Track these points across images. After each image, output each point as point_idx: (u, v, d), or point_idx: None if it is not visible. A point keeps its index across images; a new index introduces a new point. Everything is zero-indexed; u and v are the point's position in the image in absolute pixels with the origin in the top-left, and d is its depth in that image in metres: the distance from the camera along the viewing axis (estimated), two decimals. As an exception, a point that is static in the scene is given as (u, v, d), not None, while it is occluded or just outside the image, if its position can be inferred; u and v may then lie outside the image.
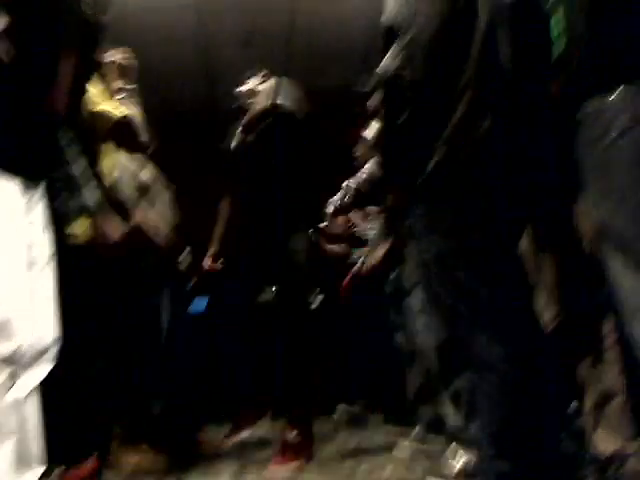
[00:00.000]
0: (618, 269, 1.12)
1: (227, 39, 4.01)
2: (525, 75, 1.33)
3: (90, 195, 1.68)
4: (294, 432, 2.39)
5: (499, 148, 1.32)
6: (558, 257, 1.62)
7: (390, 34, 1.37)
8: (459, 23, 1.33)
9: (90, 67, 1.81)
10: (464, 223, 1.32)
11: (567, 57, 1.22)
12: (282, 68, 2.95)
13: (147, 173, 2.63)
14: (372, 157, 3.26)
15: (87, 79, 1.82)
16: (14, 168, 1.37)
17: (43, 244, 1.50)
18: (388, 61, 1.36)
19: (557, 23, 1.26)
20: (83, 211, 1.67)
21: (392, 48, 1.36)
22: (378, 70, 1.40)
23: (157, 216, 2.62)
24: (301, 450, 2.38)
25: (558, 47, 1.26)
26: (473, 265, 1.32)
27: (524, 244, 1.65)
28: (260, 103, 2.62)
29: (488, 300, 1.30)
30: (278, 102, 2.59)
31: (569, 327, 1.63)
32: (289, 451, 2.34)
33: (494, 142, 1.30)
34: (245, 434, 2.64)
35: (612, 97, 1.12)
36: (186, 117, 3.52)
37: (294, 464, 2.28)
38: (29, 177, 1.43)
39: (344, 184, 2.82)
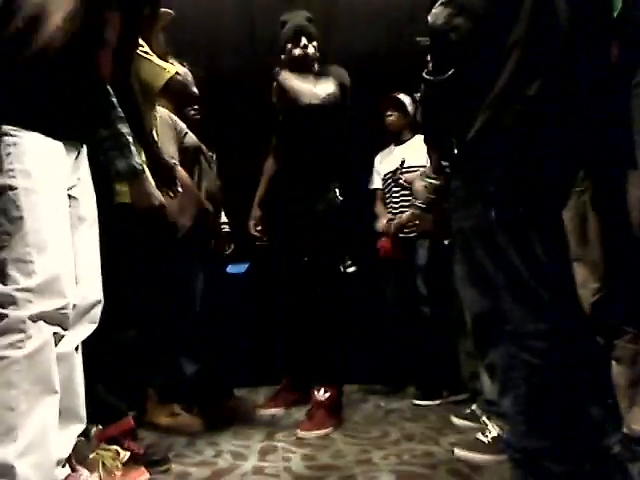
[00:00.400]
0: None
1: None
2: (582, 34, 1.25)
3: (137, 155, 1.72)
4: (324, 393, 2.43)
5: (549, 111, 1.25)
6: (605, 231, 1.57)
7: None
8: None
9: (135, 31, 1.79)
10: (508, 192, 1.27)
11: (626, 16, 1.14)
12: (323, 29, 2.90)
13: (191, 138, 2.65)
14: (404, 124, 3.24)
15: (132, 43, 1.81)
16: (62, 129, 1.37)
17: (90, 202, 1.53)
18: (438, 10, 1.28)
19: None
20: (131, 170, 1.71)
21: None
22: (428, 18, 1.31)
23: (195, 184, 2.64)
24: (331, 412, 2.42)
25: (616, 5, 1.19)
26: (514, 236, 1.27)
27: (569, 216, 1.59)
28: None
29: (528, 273, 1.27)
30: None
31: (609, 304, 1.59)
32: (319, 413, 2.39)
33: (544, 105, 1.24)
34: (279, 410, 2.68)
35: None
36: (229, 76, 3.48)
37: (325, 427, 2.32)
38: (76, 137, 1.45)
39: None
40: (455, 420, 2.39)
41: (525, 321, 1.25)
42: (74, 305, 1.37)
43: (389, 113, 3.31)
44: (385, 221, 3.26)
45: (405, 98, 3.24)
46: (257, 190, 2.99)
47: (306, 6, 3.78)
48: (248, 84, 2.94)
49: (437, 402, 2.85)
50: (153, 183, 1.85)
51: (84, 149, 1.51)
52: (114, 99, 1.69)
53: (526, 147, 1.25)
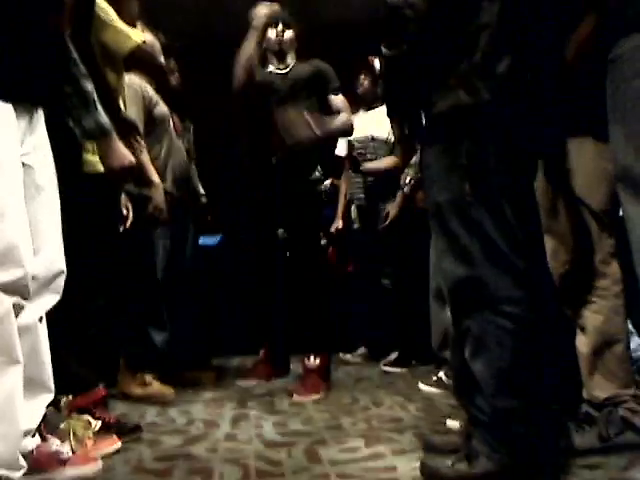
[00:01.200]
0: (633, 215, 1.11)
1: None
2: (552, 12, 1.28)
3: (104, 114, 1.62)
4: (315, 360, 2.50)
5: (519, 87, 1.27)
6: (574, 205, 1.60)
7: None
8: None
9: None
10: (481, 165, 1.31)
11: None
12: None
13: (161, 109, 2.59)
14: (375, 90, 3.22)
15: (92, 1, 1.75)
16: (15, 90, 1.31)
17: (48, 170, 1.45)
18: None
19: None
20: (99, 128, 1.61)
21: None
22: None
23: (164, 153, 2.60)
24: (322, 378, 2.49)
25: None
26: (489, 207, 1.32)
27: (540, 189, 1.63)
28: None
29: (503, 242, 1.31)
30: None
31: (576, 274, 1.63)
32: (311, 378, 2.45)
33: (514, 81, 1.26)
34: (255, 383, 2.69)
35: None
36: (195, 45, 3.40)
37: (317, 392, 2.38)
38: (28, 99, 1.37)
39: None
40: (423, 387, 2.46)
41: (500, 288, 1.31)
42: (34, 276, 1.33)
43: (362, 77, 3.28)
44: (341, 210, 3.28)
45: (379, 64, 3.18)
46: (233, 162, 2.94)
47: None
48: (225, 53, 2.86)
49: (405, 369, 2.92)
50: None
51: (39, 113, 1.43)
52: (74, 54, 1.59)
53: (497, 121, 1.28)
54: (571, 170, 1.59)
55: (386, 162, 3.15)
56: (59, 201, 1.48)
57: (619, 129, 1.15)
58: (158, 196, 2.45)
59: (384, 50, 1.40)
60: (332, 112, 2.59)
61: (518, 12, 1.30)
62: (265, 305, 2.79)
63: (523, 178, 1.37)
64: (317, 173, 2.65)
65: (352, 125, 2.67)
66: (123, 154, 1.68)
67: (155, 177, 2.44)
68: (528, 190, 1.41)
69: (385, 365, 2.98)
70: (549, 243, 1.67)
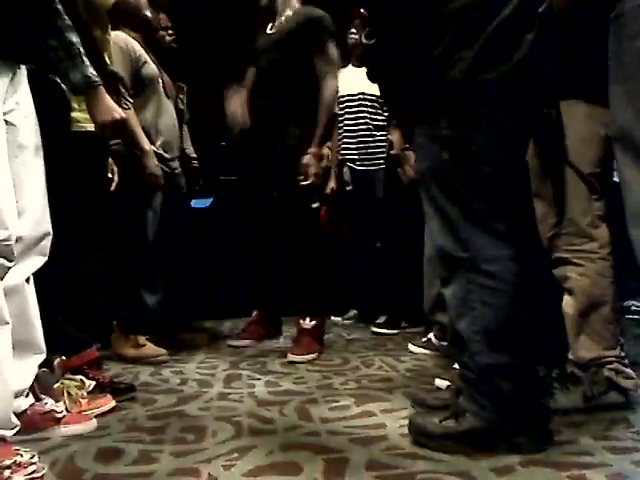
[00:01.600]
0: (630, 177, 1.11)
1: None
2: None
3: (91, 66, 1.56)
4: (310, 322, 2.53)
5: (493, 66, 1.30)
6: (563, 168, 1.61)
7: None
8: None
9: None
10: (460, 134, 1.35)
11: None
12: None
13: (150, 68, 2.53)
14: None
15: None
16: None
17: (31, 128, 1.42)
18: None
19: None
20: (86, 81, 1.55)
21: None
22: None
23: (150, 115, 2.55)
24: (317, 339, 2.52)
25: None
26: (467, 174, 1.36)
27: (530, 153, 1.64)
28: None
29: (482, 207, 1.34)
30: None
31: (563, 237, 1.64)
32: (306, 339, 2.48)
33: (487, 60, 1.29)
34: (249, 342, 2.71)
35: None
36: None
37: (312, 352, 2.41)
38: (9, 56, 1.33)
39: None
40: (412, 347, 2.50)
41: (480, 248, 1.36)
42: (20, 237, 1.33)
43: (353, 30, 3.21)
44: (334, 170, 3.24)
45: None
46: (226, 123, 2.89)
47: None
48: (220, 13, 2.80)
49: (396, 332, 2.96)
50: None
51: (22, 70, 1.39)
52: (58, 6, 1.52)
53: (473, 94, 1.33)
54: (561, 133, 1.59)
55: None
56: (43, 161, 1.45)
57: (620, 89, 1.13)
58: (151, 162, 2.42)
59: (364, 39, 1.43)
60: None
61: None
62: (259, 267, 2.79)
63: (504, 144, 1.39)
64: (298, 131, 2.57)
65: (333, 95, 2.56)
66: (112, 107, 1.63)
67: (146, 143, 2.40)
68: (511, 155, 1.43)
69: (375, 327, 3.01)
70: (538, 206, 1.68)
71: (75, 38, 1.53)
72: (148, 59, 2.52)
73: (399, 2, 1.35)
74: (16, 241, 1.29)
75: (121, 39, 2.37)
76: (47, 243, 1.45)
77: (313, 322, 2.54)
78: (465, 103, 1.34)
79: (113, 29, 2.08)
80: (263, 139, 2.56)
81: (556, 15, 1.49)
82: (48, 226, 1.45)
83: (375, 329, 3.00)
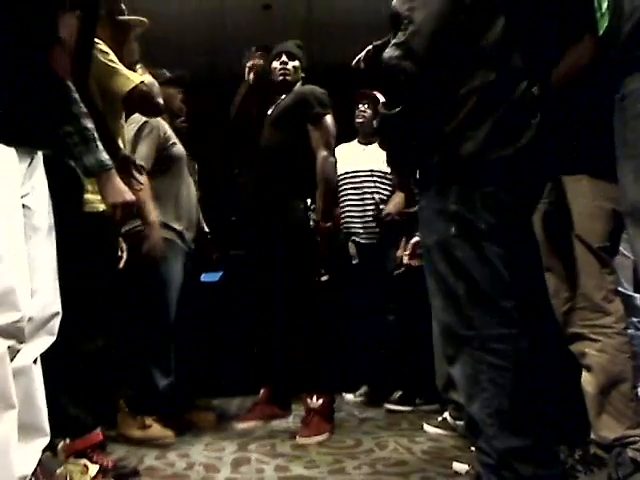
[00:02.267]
0: None
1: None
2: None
3: (104, 151, 1.65)
4: (317, 400, 2.45)
5: (500, 145, 1.34)
6: (573, 243, 1.61)
7: (396, 20, 1.37)
8: (466, 20, 1.32)
9: (93, 29, 1.78)
10: (467, 211, 1.36)
11: (612, 34, 1.18)
12: (300, 37, 2.93)
13: (178, 147, 2.63)
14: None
15: (90, 42, 1.79)
16: (17, 134, 1.33)
17: (45, 210, 1.46)
18: (389, 50, 1.38)
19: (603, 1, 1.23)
20: (99, 165, 1.62)
21: (396, 36, 1.37)
22: (383, 56, 1.41)
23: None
24: (326, 419, 2.44)
25: (602, 24, 1.23)
26: (474, 250, 1.36)
27: (540, 227, 1.65)
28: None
29: (488, 284, 1.34)
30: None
31: (578, 312, 1.62)
32: (315, 419, 2.40)
33: (496, 142, 1.33)
34: (254, 424, 2.63)
35: None
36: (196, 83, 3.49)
37: (322, 433, 2.34)
38: (29, 143, 1.39)
39: None
40: (427, 427, 2.41)
41: (488, 327, 1.32)
42: (30, 317, 1.33)
43: (362, 108, 3.29)
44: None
45: (382, 97, 3.22)
46: (235, 198, 2.97)
47: (283, 13, 3.80)
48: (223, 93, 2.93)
49: (409, 408, 2.86)
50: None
51: (39, 155, 1.46)
52: (75, 94, 1.62)
53: (482, 171, 1.35)
54: (568, 208, 1.61)
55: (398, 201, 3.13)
56: (55, 242, 1.48)
57: (628, 166, 1.17)
58: (154, 235, 2.45)
59: (381, 109, 1.49)
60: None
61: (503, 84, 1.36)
62: (265, 344, 2.75)
63: (513, 222, 1.41)
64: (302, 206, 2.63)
65: (329, 167, 2.60)
66: (123, 190, 1.69)
67: (151, 215, 2.45)
68: (518, 231, 1.44)
69: (389, 403, 2.92)
70: (550, 281, 1.67)
71: (90, 124, 1.62)
72: (177, 140, 2.64)
73: (414, 84, 1.37)
74: (27, 322, 1.30)
75: (153, 120, 2.48)
76: (56, 323, 1.45)
77: (320, 400, 2.47)
78: (473, 180, 1.36)
79: (129, 115, 2.18)
80: (267, 215, 2.61)
81: (557, 93, 1.55)
82: (58, 306, 1.46)
83: (389, 406, 2.90)
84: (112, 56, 1.98)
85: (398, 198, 3.10)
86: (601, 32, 1.24)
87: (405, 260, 2.81)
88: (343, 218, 3.31)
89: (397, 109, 1.41)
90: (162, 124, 2.58)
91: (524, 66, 1.35)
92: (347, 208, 3.31)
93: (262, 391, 2.75)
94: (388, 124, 1.50)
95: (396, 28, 1.37)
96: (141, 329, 2.41)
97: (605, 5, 1.23)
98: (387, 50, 1.39)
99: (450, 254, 1.37)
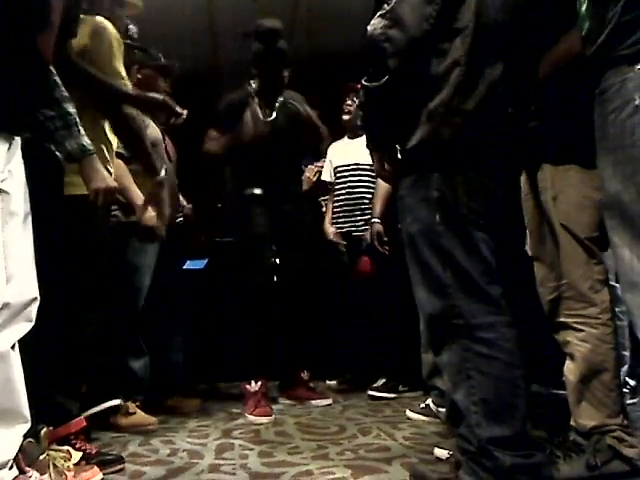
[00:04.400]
0: (620, 242, 1.14)
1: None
2: (521, 54, 1.34)
3: (85, 135, 1.63)
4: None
5: (485, 124, 1.33)
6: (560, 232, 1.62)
7: None
8: None
9: (76, 15, 1.77)
10: (450, 196, 1.34)
11: (594, 34, 1.19)
12: (286, 26, 2.92)
13: (152, 130, 2.58)
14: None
15: (73, 27, 1.76)
16: None
17: (22, 196, 1.43)
18: (376, 20, 1.36)
19: (584, 2, 1.24)
20: (81, 150, 1.61)
21: (382, 7, 1.36)
22: (368, 28, 1.39)
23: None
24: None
25: (582, 27, 1.24)
26: (459, 237, 1.34)
27: (529, 217, 1.66)
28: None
29: (475, 271, 1.33)
30: None
31: (563, 301, 1.64)
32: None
33: (481, 118, 1.31)
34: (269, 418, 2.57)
35: (637, 67, 1.10)
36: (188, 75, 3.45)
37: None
38: (7, 129, 1.36)
39: None
40: (410, 414, 2.43)
41: (475, 315, 1.33)
42: (7, 303, 1.31)
43: (349, 103, 3.29)
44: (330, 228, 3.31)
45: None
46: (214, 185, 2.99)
47: (270, 5, 3.76)
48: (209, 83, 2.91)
49: (393, 396, 2.89)
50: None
51: (17, 140, 1.42)
52: (56, 78, 1.60)
53: (464, 155, 1.34)
54: (556, 197, 1.62)
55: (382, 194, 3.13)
56: (31, 227, 1.45)
57: (607, 159, 1.18)
58: (146, 216, 2.42)
59: (364, 82, 1.44)
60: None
61: (490, 46, 1.34)
62: (263, 334, 2.76)
63: (494, 206, 1.41)
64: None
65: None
66: (104, 176, 1.68)
67: (138, 199, 2.42)
68: (502, 217, 1.44)
69: (372, 390, 2.95)
70: (538, 269, 1.69)
71: (71, 109, 1.60)
72: (151, 123, 2.58)
73: (401, 53, 1.35)
74: (2, 308, 1.28)
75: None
76: (33, 309, 1.42)
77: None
78: (455, 165, 1.35)
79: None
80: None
81: (546, 84, 1.55)
82: (35, 292, 1.42)
83: (372, 393, 2.93)
84: (127, 80, 1.99)
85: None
86: (583, 33, 1.25)
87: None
88: (335, 212, 3.32)
89: (381, 81, 1.37)
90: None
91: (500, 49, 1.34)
92: (336, 203, 3.32)
93: (260, 383, 2.66)
94: (371, 97, 1.45)
95: (381, 2, 1.35)
96: (109, 314, 2.39)
97: (584, 8, 1.24)
98: (372, 22, 1.37)
99: (435, 242, 1.36)
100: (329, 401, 2.80)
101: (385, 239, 2.91)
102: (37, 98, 1.46)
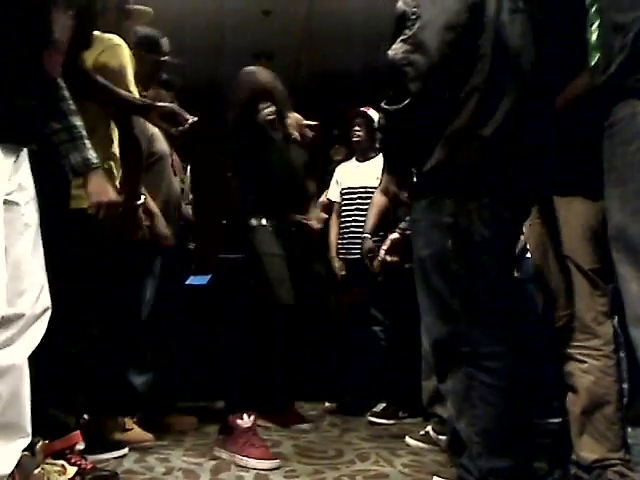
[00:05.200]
0: (627, 275, 1.14)
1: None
2: (539, 83, 1.34)
3: (92, 149, 1.64)
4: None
5: (501, 151, 1.33)
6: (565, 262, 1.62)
7: (402, 19, 1.38)
8: (474, 18, 1.32)
9: (89, 28, 1.81)
10: (463, 222, 1.34)
11: (604, 65, 1.20)
12: (299, 42, 2.94)
13: (161, 144, 2.61)
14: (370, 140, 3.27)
15: (85, 40, 1.80)
16: (2, 132, 1.33)
17: (32, 207, 1.46)
18: (397, 45, 1.38)
19: (594, 32, 1.25)
20: (85, 163, 1.62)
21: (403, 33, 1.37)
22: (388, 53, 1.41)
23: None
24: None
25: (592, 57, 1.25)
26: (469, 263, 1.34)
27: (533, 245, 1.65)
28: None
29: (483, 298, 1.33)
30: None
31: (569, 331, 1.63)
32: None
33: (497, 145, 1.31)
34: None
35: None
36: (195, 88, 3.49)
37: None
38: (14, 140, 1.39)
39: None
40: (410, 441, 2.40)
41: (481, 343, 1.33)
42: (22, 314, 1.34)
43: (357, 128, 3.32)
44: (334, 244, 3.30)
45: (375, 114, 3.16)
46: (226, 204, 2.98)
47: (283, 22, 3.81)
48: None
49: (393, 422, 2.86)
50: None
51: (24, 151, 1.45)
52: (65, 92, 1.62)
53: (479, 182, 1.35)
54: (560, 228, 1.62)
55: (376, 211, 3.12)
56: (41, 238, 1.48)
57: (615, 191, 1.19)
58: (161, 224, 2.46)
59: (384, 105, 1.44)
60: None
61: (510, 73, 1.35)
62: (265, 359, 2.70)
63: (507, 234, 1.41)
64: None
65: None
66: (107, 190, 1.68)
67: (154, 207, 2.45)
68: (513, 244, 1.44)
69: (372, 416, 2.91)
70: (542, 299, 1.68)
71: (78, 122, 1.62)
72: (161, 137, 2.60)
73: (424, 77, 1.36)
74: (18, 319, 1.31)
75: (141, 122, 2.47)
76: (46, 318, 1.45)
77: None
78: (469, 191, 1.35)
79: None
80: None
81: (558, 115, 1.56)
82: (48, 301, 1.45)
83: (372, 419, 2.89)
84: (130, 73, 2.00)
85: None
86: (593, 63, 1.26)
87: (381, 255, 2.70)
88: (342, 235, 3.32)
89: (402, 104, 1.38)
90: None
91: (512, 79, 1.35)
92: (343, 224, 3.33)
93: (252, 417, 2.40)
94: (390, 120, 1.46)
95: (401, 28, 1.37)
96: (114, 327, 2.39)
97: (594, 38, 1.25)
98: (393, 47, 1.38)
99: (446, 268, 1.36)
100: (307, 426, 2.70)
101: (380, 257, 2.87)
102: (43, 111, 1.48)
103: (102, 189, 1.67)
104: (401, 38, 1.38)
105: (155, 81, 2.60)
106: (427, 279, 1.40)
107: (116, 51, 1.95)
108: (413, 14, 1.35)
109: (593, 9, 1.29)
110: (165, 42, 2.54)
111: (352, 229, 3.27)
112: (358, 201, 3.27)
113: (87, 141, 1.62)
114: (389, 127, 1.50)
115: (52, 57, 1.46)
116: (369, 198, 3.24)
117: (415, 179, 1.50)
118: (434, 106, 1.37)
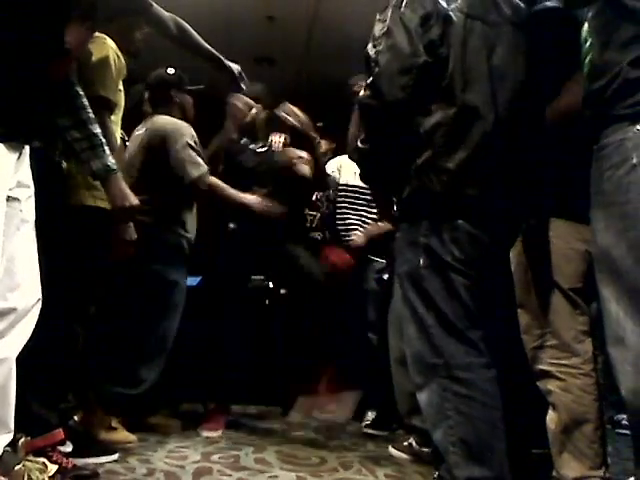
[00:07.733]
0: (609, 296, 1.16)
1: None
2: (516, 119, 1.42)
3: (110, 155, 1.73)
4: None
5: (470, 179, 1.39)
6: (546, 281, 1.64)
7: (368, 63, 1.47)
8: (434, 55, 1.38)
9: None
10: (435, 243, 1.41)
11: (592, 91, 1.23)
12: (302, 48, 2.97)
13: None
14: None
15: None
16: (7, 130, 1.36)
17: (30, 203, 1.49)
18: (363, 90, 1.49)
19: (586, 57, 1.28)
20: (105, 169, 1.72)
21: (367, 77, 1.48)
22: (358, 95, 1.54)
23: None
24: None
25: (585, 76, 1.28)
26: (441, 281, 1.41)
27: (514, 264, 1.68)
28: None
29: (454, 315, 1.38)
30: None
31: (547, 349, 1.64)
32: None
33: (466, 174, 1.38)
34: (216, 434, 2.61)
35: (637, 127, 1.13)
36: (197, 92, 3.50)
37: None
38: (18, 139, 1.42)
39: None
40: (393, 451, 2.41)
41: (454, 355, 1.37)
42: (14, 308, 1.36)
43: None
44: None
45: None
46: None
47: (284, 29, 3.83)
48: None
49: (386, 433, 2.80)
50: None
51: (26, 149, 1.48)
52: (83, 100, 1.70)
53: (452, 205, 1.40)
54: (542, 248, 1.64)
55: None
56: (35, 234, 1.51)
57: (601, 214, 1.21)
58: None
59: (359, 145, 1.56)
60: None
61: (483, 98, 1.39)
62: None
63: (485, 256, 1.44)
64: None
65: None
66: (127, 194, 1.78)
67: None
68: (488, 265, 1.48)
69: (366, 428, 2.86)
70: (522, 317, 1.70)
71: (97, 129, 1.71)
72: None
73: (381, 120, 1.47)
74: (9, 313, 1.34)
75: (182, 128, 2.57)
76: (37, 309, 1.48)
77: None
78: (442, 214, 1.40)
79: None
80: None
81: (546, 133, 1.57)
82: (38, 293, 1.48)
83: (366, 430, 2.83)
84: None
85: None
86: (585, 86, 1.28)
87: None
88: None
89: (368, 145, 1.53)
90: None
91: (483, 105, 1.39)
92: (340, 222, 3.27)
93: None
94: (364, 158, 1.60)
95: (368, 70, 1.46)
96: (142, 330, 2.41)
97: (587, 59, 1.28)
98: (361, 91, 1.51)
99: (419, 285, 1.42)
100: None
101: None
102: (48, 111, 1.53)
103: (123, 193, 1.77)
104: (367, 82, 1.47)
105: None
106: (405, 294, 1.46)
107: (102, 47, 1.97)
108: (373, 61, 1.43)
109: (586, 31, 1.31)
110: (177, 73, 2.68)
111: (349, 227, 3.26)
112: (354, 200, 3.21)
113: (106, 147, 1.72)
114: (362, 163, 1.65)
115: (63, 66, 1.54)
116: (362, 198, 3.24)
117: (396, 203, 1.57)
118: (404, 139, 1.44)
